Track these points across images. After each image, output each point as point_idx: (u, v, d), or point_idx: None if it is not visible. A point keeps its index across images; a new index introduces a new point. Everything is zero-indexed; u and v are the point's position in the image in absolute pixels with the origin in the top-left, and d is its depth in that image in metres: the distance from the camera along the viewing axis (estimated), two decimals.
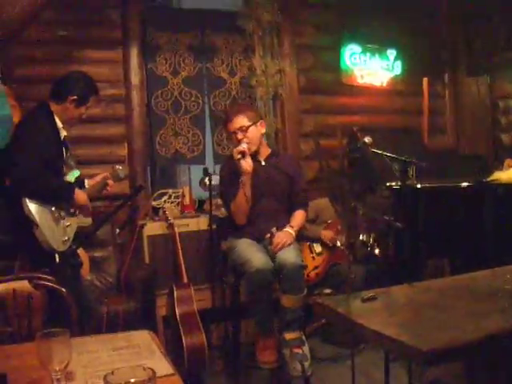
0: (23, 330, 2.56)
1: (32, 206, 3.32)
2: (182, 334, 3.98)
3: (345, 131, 5.47)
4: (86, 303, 3.63)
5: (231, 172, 4.17)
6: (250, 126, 4.11)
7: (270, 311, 3.91)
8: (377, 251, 4.59)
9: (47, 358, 1.54)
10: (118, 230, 4.65)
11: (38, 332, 1.59)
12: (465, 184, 4.24)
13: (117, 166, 3.93)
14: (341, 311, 2.21)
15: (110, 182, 3.71)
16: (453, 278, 2.99)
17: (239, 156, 4.01)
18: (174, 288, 4.18)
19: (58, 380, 1.55)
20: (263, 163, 4.24)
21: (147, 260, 4.68)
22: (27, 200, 3.31)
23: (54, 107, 3.57)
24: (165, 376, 1.68)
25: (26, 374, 1.73)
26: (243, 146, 4.03)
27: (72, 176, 3.60)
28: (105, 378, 1.32)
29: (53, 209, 3.43)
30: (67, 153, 3.64)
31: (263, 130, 4.26)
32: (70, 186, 3.54)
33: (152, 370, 1.36)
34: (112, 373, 1.35)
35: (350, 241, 4.62)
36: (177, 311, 4.10)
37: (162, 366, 1.76)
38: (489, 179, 4.22)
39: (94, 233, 3.52)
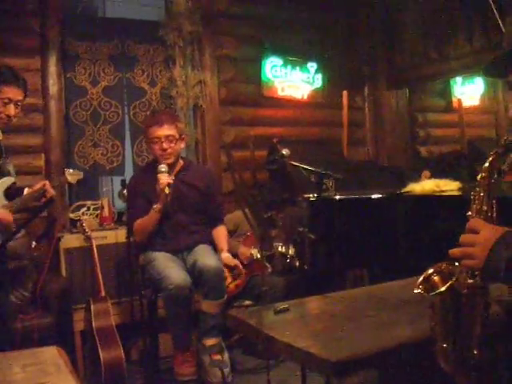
0: None
1: None
2: (99, 348, 3.92)
3: (258, 143, 5.50)
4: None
5: (138, 185, 4.13)
6: (177, 139, 4.08)
7: (188, 325, 3.89)
8: (296, 263, 4.62)
9: None
10: (34, 243, 4.53)
11: None
12: (377, 195, 4.32)
13: (69, 170, 3.78)
14: (252, 323, 2.21)
15: (50, 189, 3.45)
16: (366, 288, 3.04)
17: (166, 189, 3.92)
18: (91, 302, 4.12)
19: None
20: (173, 178, 4.20)
21: (64, 273, 4.57)
22: None
23: None
24: None
25: None
26: (169, 181, 3.95)
27: (1, 184, 3.38)
28: None
29: None
30: (2, 160, 3.45)
31: (183, 146, 4.26)
32: None
33: None
34: None
35: (266, 253, 4.64)
36: (94, 326, 4.04)
37: (67, 383, 1.73)
38: (403, 190, 4.31)
39: (2, 247, 3.39)
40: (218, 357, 3.79)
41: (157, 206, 3.98)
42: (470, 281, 1.57)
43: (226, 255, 4.13)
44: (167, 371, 4.12)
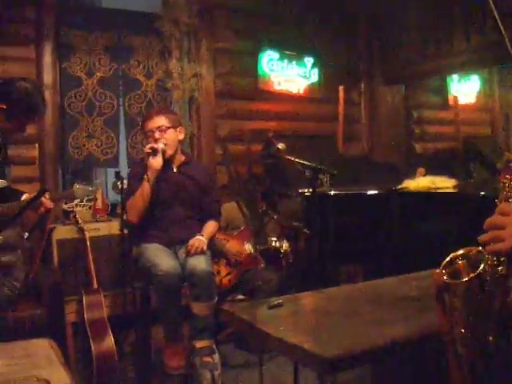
0: None
1: None
2: (90, 340, 3.91)
3: (254, 137, 5.51)
4: None
5: (140, 171, 4.12)
6: (169, 127, 4.07)
7: (179, 317, 3.87)
8: (290, 257, 4.61)
9: None
10: (26, 234, 4.49)
11: None
12: (373, 191, 4.32)
13: (77, 185, 3.71)
14: (246, 318, 2.19)
15: (47, 201, 3.45)
16: (360, 284, 3.03)
17: (149, 151, 3.96)
18: (84, 294, 4.10)
19: None
20: (175, 170, 4.20)
21: (56, 265, 4.55)
22: None
23: None
24: None
25: None
26: (159, 145, 3.98)
27: None
28: None
29: None
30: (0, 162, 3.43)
31: (181, 137, 4.22)
32: None
33: (47, 380, 1.31)
34: None
35: (259, 247, 4.63)
36: (86, 317, 4.02)
37: (59, 376, 1.71)
38: (398, 187, 4.30)
39: None
40: (209, 359, 3.78)
41: (145, 176, 3.97)
42: (496, 268, 1.56)
43: (197, 237, 4.07)
44: (159, 364, 4.10)
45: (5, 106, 3.27)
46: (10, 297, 4.04)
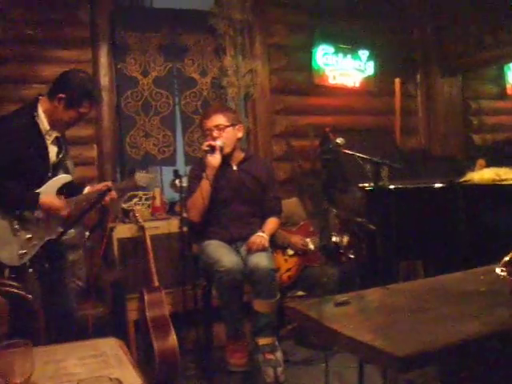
0: None
1: None
2: (152, 338, 3.92)
3: (317, 132, 5.46)
4: (62, 310, 3.52)
5: (199, 170, 4.12)
6: (227, 126, 4.06)
7: (240, 313, 3.86)
8: (350, 253, 4.56)
9: (8, 370, 1.47)
10: (87, 233, 4.56)
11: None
12: (438, 185, 4.22)
13: (139, 172, 3.72)
14: (313, 316, 2.16)
15: (112, 192, 3.47)
16: (426, 280, 2.96)
17: (207, 148, 3.96)
18: (145, 292, 4.13)
19: None
20: (235, 168, 4.18)
21: (117, 263, 4.59)
22: None
23: (44, 105, 3.35)
24: None
25: None
26: (216, 142, 3.97)
27: (57, 181, 3.40)
28: None
29: (12, 219, 3.27)
30: (62, 156, 3.48)
31: (240, 135, 4.20)
32: (32, 195, 3.29)
33: (118, 380, 1.30)
34: None
35: (322, 243, 4.59)
36: (147, 315, 4.04)
37: (130, 376, 1.70)
38: (461, 180, 4.20)
39: (60, 237, 3.40)
40: (272, 356, 3.76)
41: (204, 174, 3.97)
42: None
43: (258, 234, 4.05)
44: (220, 361, 4.10)
45: (64, 95, 3.29)
46: (73, 295, 4.09)
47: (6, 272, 3.21)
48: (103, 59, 5.17)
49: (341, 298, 2.31)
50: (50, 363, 1.83)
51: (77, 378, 1.66)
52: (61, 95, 3.31)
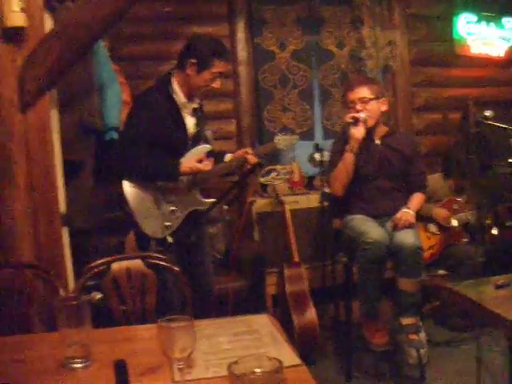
0: (137, 310, 2.55)
1: (128, 189, 3.27)
2: (292, 313, 3.92)
3: (459, 104, 5.26)
4: (201, 283, 3.57)
5: (341, 144, 4.04)
6: (371, 99, 3.95)
7: (379, 290, 3.76)
8: (495, 231, 4.37)
9: (169, 345, 1.47)
10: (226, 207, 4.60)
11: (161, 318, 1.51)
12: None
13: (279, 135, 3.68)
14: (472, 297, 2.06)
15: (250, 157, 3.43)
16: None
17: (351, 120, 3.87)
18: (285, 267, 4.12)
19: (180, 369, 1.48)
20: (378, 142, 4.07)
21: (256, 238, 4.62)
22: (125, 182, 3.27)
23: (177, 78, 3.37)
24: (291, 366, 1.56)
25: (144, 359, 1.69)
26: (360, 114, 3.88)
27: (197, 151, 3.43)
28: (229, 367, 1.25)
29: (156, 192, 3.34)
30: (200, 126, 3.51)
31: (383, 108, 4.07)
32: (173, 165, 3.33)
33: (278, 359, 1.26)
34: (236, 362, 1.26)
35: (466, 220, 4.42)
36: (287, 290, 4.04)
37: (287, 355, 1.66)
38: None
39: (209, 211, 3.44)
40: (415, 337, 3.64)
41: (347, 147, 3.90)
42: None
43: (404, 210, 3.92)
44: (359, 339, 4.04)
45: (194, 60, 3.30)
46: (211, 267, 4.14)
47: (153, 244, 3.29)
48: (240, 34, 5.20)
49: (501, 279, 2.20)
50: (202, 338, 1.81)
51: (232, 354, 1.65)
52: (191, 61, 3.30)
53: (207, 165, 3.37)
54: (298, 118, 5.34)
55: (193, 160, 3.34)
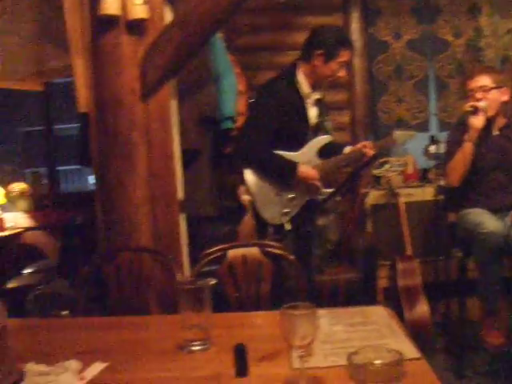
0: (251, 296, 2.58)
1: (250, 177, 3.36)
2: (404, 307, 3.87)
3: None
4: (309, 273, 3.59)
5: (459, 134, 3.94)
6: (492, 88, 3.83)
7: (498, 286, 3.64)
8: None
9: (291, 332, 1.47)
10: (339, 198, 4.59)
11: (284, 305, 1.52)
12: None
13: (397, 131, 3.65)
14: None
15: (368, 150, 3.44)
16: None
17: (470, 109, 3.77)
18: (398, 260, 4.07)
19: (300, 357, 1.49)
20: (496, 133, 3.94)
21: (369, 230, 4.58)
22: (247, 170, 3.36)
23: (302, 68, 3.43)
24: (411, 360, 1.55)
25: (262, 345, 1.70)
26: (480, 103, 3.77)
27: (317, 142, 3.48)
28: (349, 357, 1.24)
29: (275, 181, 3.40)
30: (321, 117, 3.55)
31: (504, 98, 3.94)
32: (291, 165, 3.39)
33: (398, 351, 1.25)
34: (355, 352, 1.26)
35: None
36: (399, 283, 3.99)
37: (407, 348, 1.65)
38: None
39: (325, 202, 3.46)
40: None
41: (466, 136, 3.80)
42: None
43: None
44: (471, 337, 3.95)
45: (321, 51, 3.32)
46: (319, 258, 4.16)
47: (271, 231, 3.34)
48: (355, 24, 5.17)
49: None
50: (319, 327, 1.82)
51: (350, 344, 1.64)
52: (318, 52, 3.35)
53: (318, 180, 3.41)
54: (413, 110, 5.27)
55: (307, 167, 3.39)
